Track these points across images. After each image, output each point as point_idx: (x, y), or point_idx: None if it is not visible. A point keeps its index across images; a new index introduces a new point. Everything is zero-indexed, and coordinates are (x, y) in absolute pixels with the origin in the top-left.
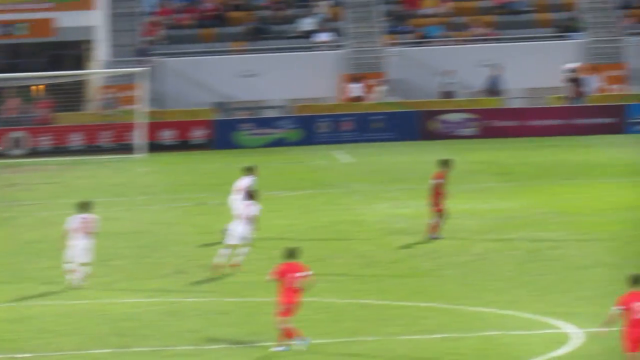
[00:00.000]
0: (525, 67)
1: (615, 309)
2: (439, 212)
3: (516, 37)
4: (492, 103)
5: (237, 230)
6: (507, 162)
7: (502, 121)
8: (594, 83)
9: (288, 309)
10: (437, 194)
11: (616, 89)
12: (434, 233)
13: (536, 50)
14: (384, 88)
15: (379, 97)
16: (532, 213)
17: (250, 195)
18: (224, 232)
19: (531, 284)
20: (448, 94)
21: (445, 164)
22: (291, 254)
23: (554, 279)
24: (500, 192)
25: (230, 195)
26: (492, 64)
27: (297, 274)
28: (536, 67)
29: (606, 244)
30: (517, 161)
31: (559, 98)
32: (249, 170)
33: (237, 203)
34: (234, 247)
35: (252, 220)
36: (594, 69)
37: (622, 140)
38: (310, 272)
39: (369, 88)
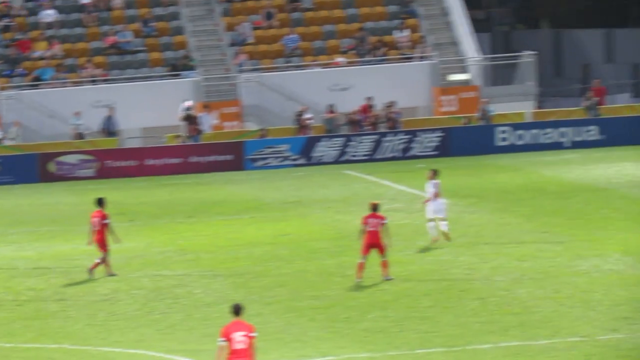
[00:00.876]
0: (140, 107)
1: (220, 341)
2: (106, 251)
3: (130, 77)
4: (109, 144)
5: None
6: (126, 202)
7: (119, 161)
8: (210, 121)
9: None
10: (103, 233)
11: (232, 126)
12: (109, 271)
13: (151, 90)
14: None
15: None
16: (154, 252)
17: None
18: None
19: (157, 323)
20: (79, 136)
21: (100, 202)
22: None
23: (179, 316)
24: (121, 233)
25: None
26: (106, 105)
27: None
28: (152, 106)
29: (230, 280)
30: (136, 201)
31: (176, 137)
32: None
33: None
34: None
35: None
36: (209, 106)
37: (242, 176)
38: None
39: None
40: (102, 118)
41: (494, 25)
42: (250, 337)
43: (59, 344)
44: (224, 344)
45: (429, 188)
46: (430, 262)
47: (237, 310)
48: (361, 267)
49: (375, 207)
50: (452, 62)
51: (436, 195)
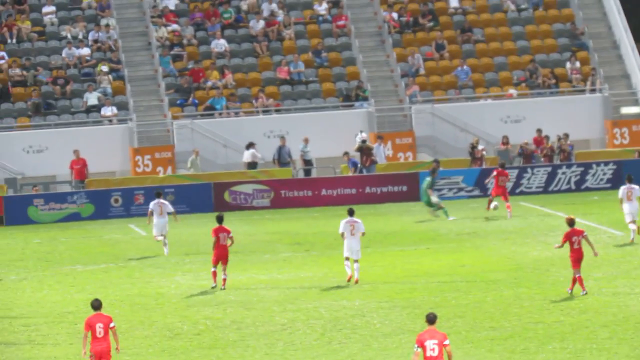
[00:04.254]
0: (315, 137)
1: (415, 348)
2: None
3: (303, 107)
4: (283, 174)
5: None
6: (302, 231)
7: (294, 191)
8: (384, 151)
9: None
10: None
11: (405, 157)
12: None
13: (324, 120)
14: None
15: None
16: (331, 282)
17: None
18: None
19: (336, 353)
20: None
21: (221, 219)
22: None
23: (358, 347)
24: (297, 262)
25: None
26: (280, 135)
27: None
28: (324, 136)
29: (408, 310)
30: (311, 231)
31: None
32: None
33: None
34: None
35: None
36: (383, 137)
37: (417, 207)
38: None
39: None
40: (274, 148)
41: None
42: (443, 346)
43: None
44: (419, 350)
45: (622, 192)
46: (607, 294)
47: (431, 318)
48: (576, 280)
49: (572, 222)
50: (623, 95)
51: (629, 199)
